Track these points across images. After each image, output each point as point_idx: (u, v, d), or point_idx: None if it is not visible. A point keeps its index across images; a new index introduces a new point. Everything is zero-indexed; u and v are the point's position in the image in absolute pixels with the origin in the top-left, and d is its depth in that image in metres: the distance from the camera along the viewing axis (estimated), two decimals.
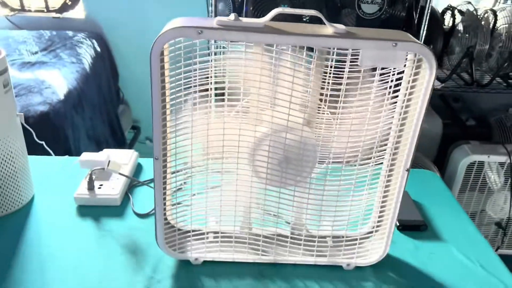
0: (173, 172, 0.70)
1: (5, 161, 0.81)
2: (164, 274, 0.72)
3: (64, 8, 2.20)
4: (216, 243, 0.74)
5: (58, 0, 2.19)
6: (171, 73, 0.61)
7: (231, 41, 0.57)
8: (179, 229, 0.72)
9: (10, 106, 0.81)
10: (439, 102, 2.17)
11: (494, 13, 1.89)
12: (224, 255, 0.74)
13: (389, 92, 0.62)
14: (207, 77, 0.60)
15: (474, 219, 1.82)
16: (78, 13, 2.20)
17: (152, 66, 0.58)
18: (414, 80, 0.62)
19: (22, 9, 2.20)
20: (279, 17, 0.57)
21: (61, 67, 1.71)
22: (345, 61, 0.59)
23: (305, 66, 0.61)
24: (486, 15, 1.89)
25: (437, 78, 1.93)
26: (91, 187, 0.88)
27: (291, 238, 0.73)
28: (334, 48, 0.58)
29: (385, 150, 0.68)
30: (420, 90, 0.61)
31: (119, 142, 2.10)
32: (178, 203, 0.72)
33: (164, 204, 0.71)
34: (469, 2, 1.88)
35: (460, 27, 1.86)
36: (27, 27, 2.12)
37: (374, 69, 0.60)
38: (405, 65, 0.60)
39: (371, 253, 0.75)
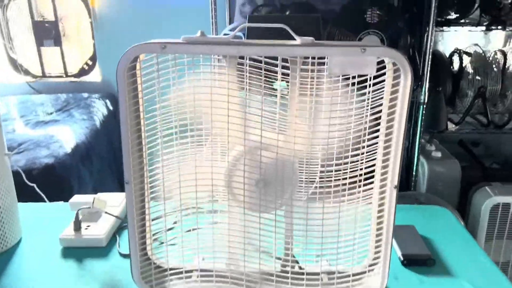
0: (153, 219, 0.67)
1: None
2: None
3: (81, 73, 2.31)
4: (196, 281, 0.68)
5: (76, 66, 2.31)
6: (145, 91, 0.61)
7: (195, 54, 0.56)
8: (154, 263, 0.68)
9: None
10: (458, 148, 2.09)
11: (504, 53, 1.87)
12: None
13: (368, 103, 0.59)
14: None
15: (507, 271, 1.66)
16: (94, 76, 2.31)
17: (119, 84, 0.57)
18: (394, 92, 0.59)
19: (43, 75, 2.32)
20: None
21: (72, 123, 1.76)
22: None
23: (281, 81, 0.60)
24: (495, 56, 1.87)
25: (451, 121, 1.88)
26: (77, 228, 0.85)
27: (277, 275, 0.67)
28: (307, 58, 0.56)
29: (373, 167, 0.63)
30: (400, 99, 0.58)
31: None
32: (155, 239, 0.68)
33: (143, 238, 0.67)
34: (476, 44, 1.87)
35: (469, 69, 1.84)
36: (47, 92, 2.23)
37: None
38: (381, 74, 0.58)
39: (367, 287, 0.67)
